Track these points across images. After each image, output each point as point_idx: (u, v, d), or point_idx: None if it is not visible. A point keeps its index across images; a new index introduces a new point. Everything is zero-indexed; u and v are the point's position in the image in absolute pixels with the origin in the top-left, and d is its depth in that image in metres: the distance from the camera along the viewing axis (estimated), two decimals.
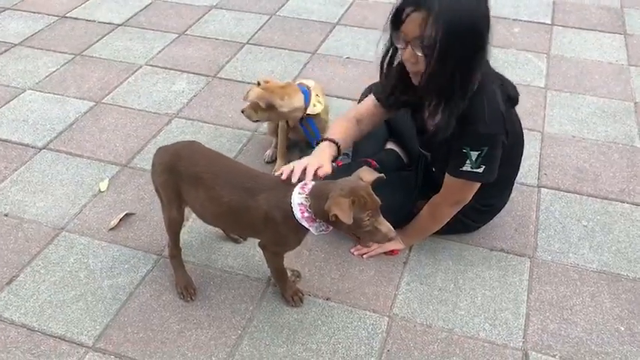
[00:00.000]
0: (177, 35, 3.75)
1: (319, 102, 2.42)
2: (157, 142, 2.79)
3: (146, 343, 1.92)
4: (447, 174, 1.98)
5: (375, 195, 1.69)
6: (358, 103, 2.57)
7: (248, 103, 2.38)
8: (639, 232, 2.33)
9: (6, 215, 2.41)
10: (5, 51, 3.57)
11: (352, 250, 2.25)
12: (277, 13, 4.01)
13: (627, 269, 2.18)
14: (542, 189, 2.54)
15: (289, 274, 2.09)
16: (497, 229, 2.34)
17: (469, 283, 2.13)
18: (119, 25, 3.86)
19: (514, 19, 3.91)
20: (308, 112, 2.39)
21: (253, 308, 2.04)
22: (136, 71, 3.37)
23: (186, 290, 2.07)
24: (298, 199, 1.70)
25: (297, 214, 1.70)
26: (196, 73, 3.35)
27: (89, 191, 2.53)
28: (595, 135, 2.86)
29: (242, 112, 2.40)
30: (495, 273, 2.17)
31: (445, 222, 2.12)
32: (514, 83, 1.98)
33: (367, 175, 1.73)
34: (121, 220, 2.38)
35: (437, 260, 2.22)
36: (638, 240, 2.29)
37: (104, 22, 3.89)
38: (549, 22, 3.89)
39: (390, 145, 2.59)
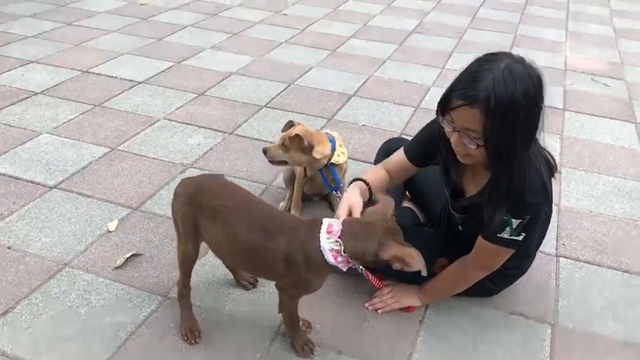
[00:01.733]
0: (196, 95, 3.81)
1: (343, 152, 2.42)
2: (170, 189, 2.74)
3: None
4: (481, 237, 1.91)
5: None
6: (375, 161, 2.58)
7: (273, 144, 2.36)
8: None
9: (9, 248, 2.34)
10: (26, 98, 3.62)
11: (367, 305, 2.16)
12: (295, 83, 4.11)
13: None
14: (561, 258, 2.48)
15: (299, 323, 1.99)
16: (517, 293, 2.26)
17: (488, 345, 2.03)
18: (140, 83, 3.94)
19: None
20: (333, 160, 2.37)
21: (260, 356, 1.92)
22: (153, 124, 3.40)
23: (191, 332, 1.95)
24: (328, 244, 1.64)
25: (330, 259, 1.64)
26: (213, 129, 3.38)
27: (97, 230, 2.47)
28: (612, 211, 2.83)
29: (264, 152, 2.38)
30: (515, 337, 2.06)
31: (470, 285, 2.05)
32: None
33: (382, 207, 1.74)
34: (127, 259, 2.30)
35: (454, 320, 2.12)
36: None
37: (126, 79, 3.98)
38: (561, 107, 3.97)
39: (405, 204, 2.56)
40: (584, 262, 2.47)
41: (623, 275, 2.40)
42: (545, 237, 2.49)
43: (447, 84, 1.74)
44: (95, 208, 2.61)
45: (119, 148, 3.12)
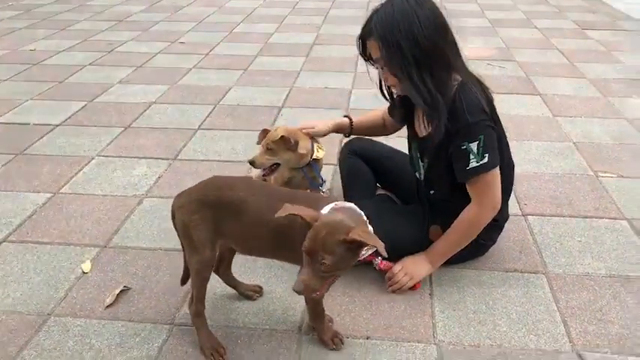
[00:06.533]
0: (122, 129, 3.65)
1: (320, 147, 2.43)
2: (133, 221, 2.63)
3: None
4: (466, 185, 2.05)
5: (326, 251, 1.54)
6: (340, 160, 2.68)
7: (257, 153, 2.32)
8: (628, 240, 2.47)
9: None
10: None
11: (389, 290, 2.17)
12: (220, 103, 4.06)
13: (632, 270, 2.29)
14: (529, 216, 2.66)
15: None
16: (503, 253, 2.39)
17: (499, 302, 2.12)
18: (57, 126, 3.70)
19: None
20: (314, 156, 2.38)
21: (294, 359, 1.88)
22: (88, 163, 3.20)
23: (216, 351, 1.87)
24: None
25: None
26: (155, 158, 3.25)
27: (71, 274, 2.28)
28: (552, 170, 3.08)
29: (251, 163, 2.33)
30: (519, 291, 2.18)
31: (481, 229, 2.11)
32: None
33: (357, 231, 1.56)
34: (117, 296, 2.15)
35: (460, 287, 2.20)
36: (631, 246, 2.43)
37: (40, 124, 3.71)
38: None
39: (380, 192, 2.63)
40: (549, 215, 2.66)
41: (585, 220, 2.62)
42: (509, 201, 2.70)
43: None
44: (59, 253, 2.42)
45: (61, 191, 2.90)
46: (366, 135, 2.60)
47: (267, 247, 1.81)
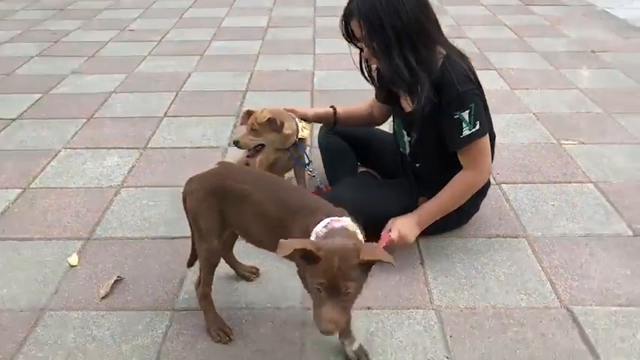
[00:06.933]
0: (85, 119, 3.55)
1: (305, 127, 2.45)
2: (115, 212, 2.58)
3: None
4: (457, 153, 2.13)
5: (348, 280, 1.43)
6: (319, 141, 2.70)
7: (242, 134, 2.32)
8: (597, 202, 2.63)
9: None
10: None
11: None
12: (182, 89, 4.00)
13: (605, 229, 2.43)
14: (502, 185, 2.77)
15: None
16: (483, 221, 2.49)
17: (486, 267, 2.22)
18: (15, 119, 3.56)
19: None
20: (299, 135, 2.39)
21: (300, 334, 1.91)
22: (55, 156, 3.10)
23: (223, 332, 1.88)
24: (313, 235, 1.58)
25: None
26: (125, 148, 3.18)
27: (59, 268, 2.23)
28: (517, 140, 3.21)
29: (235, 143, 2.32)
30: (503, 255, 2.29)
31: (474, 193, 2.19)
32: None
33: (367, 251, 1.48)
34: (112, 286, 2.12)
35: (448, 255, 2.29)
36: (600, 207, 2.58)
37: None
38: None
39: (362, 169, 2.68)
40: (521, 182, 2.79)
41: (555, 186, 2.76)
42: None
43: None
44: (42, 248, 2.35)
45: (31, 186, 2.81)
46: (353, 126, 2.57)
47: (267, 239, 1.78)
